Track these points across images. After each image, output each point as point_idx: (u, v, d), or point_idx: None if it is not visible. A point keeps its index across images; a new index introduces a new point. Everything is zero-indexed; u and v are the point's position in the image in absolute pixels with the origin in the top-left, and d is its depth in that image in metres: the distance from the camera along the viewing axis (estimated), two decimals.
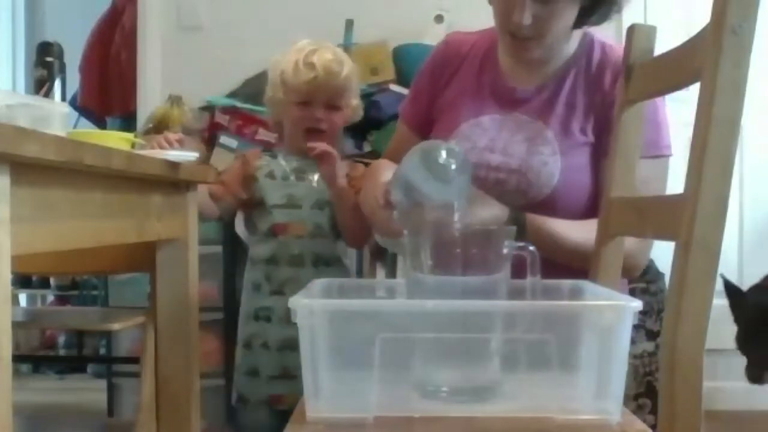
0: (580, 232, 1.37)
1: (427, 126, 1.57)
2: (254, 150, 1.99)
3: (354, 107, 1.88)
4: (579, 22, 1.41)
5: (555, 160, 1.40)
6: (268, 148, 2.02)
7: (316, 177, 1.82)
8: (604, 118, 1.42)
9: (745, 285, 2.35)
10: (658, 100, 1.41)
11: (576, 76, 1.47)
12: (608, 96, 1.42)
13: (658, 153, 1.42)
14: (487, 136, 1.46)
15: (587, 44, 1.49)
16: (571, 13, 1.38)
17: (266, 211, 1.81)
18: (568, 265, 1.33)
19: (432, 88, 1.58)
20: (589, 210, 1.39)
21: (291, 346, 1.73)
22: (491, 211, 1.34)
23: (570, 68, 1.48)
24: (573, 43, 1.48)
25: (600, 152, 1.41)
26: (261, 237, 1.82)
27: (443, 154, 1.15)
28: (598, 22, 1.43)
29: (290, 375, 1.74)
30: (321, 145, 1.74)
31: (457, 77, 1.55)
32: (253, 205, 1.84)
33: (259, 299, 1.81)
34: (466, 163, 1.18)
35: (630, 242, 1.34)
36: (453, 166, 1.14)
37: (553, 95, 1.46)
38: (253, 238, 1.86)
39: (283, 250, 1.78)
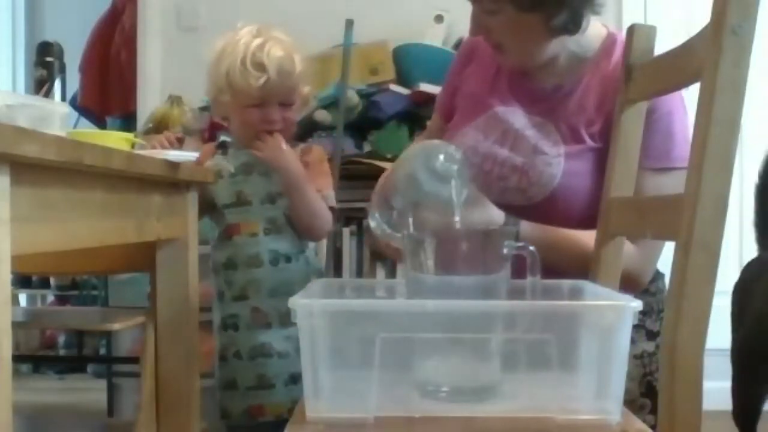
0: (575, 243, 1.35)
1: (452, 115, 1.58)
2: (208, 146, 1.85)
3: (305, 96, 1.73)
4: (552, 30, 1.36)
5: (559, 162, 1.38)
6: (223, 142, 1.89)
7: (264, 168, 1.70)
8: None
9: None
10: (676, 108, 1.37)
11: (591, 77, 1.43)
12: None
13: (667, 165, 1.36)
14: (499, 129, 1.45)
15: (609, 44, 1.45)
16: (524, 24, 1.34)
17: (220, 213, 1.71)
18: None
19: (456, 77, 1.59)
20: (590, 216, 1.34)
21: (263, 353, 1.66)
22: (487, 215, 1.33)
23: (587, 69, 1.44)
24: (594, 43, 1.45)
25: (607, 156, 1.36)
26: (217, 241, 1.73)
27: (441, 157, 1.15)
28: (572, 28, 1.36)
29: (267, 384, 1.66)
30: (266, 143, 1.65)
31: (479, 69, 1.55)
32: (208, 209, 1.73)
33: (223, 307, 1.73)
34: (465, 166, 1.18)
35: (632, 259, 1.33)
36: (452, 168, 1.14)
37: (567, 96, 1.43)
38: (212, 243, 1.76)
39: (239, 252, 1.69)
